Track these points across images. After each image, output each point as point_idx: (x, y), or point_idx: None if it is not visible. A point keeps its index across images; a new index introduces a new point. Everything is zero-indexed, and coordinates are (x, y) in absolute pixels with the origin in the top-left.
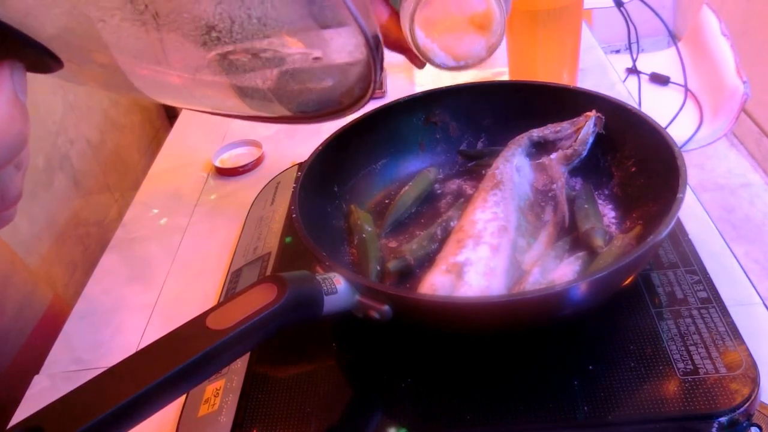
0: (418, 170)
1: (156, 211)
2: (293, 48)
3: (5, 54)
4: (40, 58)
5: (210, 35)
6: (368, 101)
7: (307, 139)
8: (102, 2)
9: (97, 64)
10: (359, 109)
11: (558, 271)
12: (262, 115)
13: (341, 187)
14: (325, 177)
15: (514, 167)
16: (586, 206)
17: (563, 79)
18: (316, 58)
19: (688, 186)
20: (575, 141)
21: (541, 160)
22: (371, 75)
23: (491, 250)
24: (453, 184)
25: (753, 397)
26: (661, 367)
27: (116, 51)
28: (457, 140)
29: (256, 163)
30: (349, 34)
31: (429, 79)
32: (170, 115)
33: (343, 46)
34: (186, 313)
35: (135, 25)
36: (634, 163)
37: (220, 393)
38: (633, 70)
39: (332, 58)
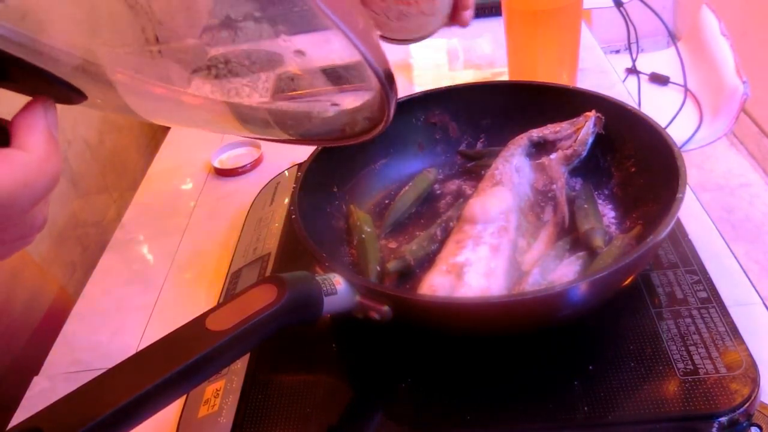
0: (417, 171)
1: (155, 211)
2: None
3: (36, 91)
4: (66, 92)
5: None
6: (379, 132)
7: None
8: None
9: (114, 95)
10: (368, 139)
11: (558, 272)
12: (268, 138)
13: (341, 187)
14: (325, 177)
15: (513, 167)
16: (586, 206)
17: (563, 80)
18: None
19: (687, 186)
20: (575, 141)
21: (540, 161)
22: (384, 109)
23: (491, 250)
24: (452, 185)
25: (753, 397)
26: (661, 367)
27: (119, 76)
28: (457, 140)
29: (255, 164)
30: (359, 69)
31: (428, 79)
32: None
33: (353, 78)
34: (185, 314)
35: (142, 55)
36: (634, 163)
37: (220, 394)
38: (633, 70)
39: (344, 94)
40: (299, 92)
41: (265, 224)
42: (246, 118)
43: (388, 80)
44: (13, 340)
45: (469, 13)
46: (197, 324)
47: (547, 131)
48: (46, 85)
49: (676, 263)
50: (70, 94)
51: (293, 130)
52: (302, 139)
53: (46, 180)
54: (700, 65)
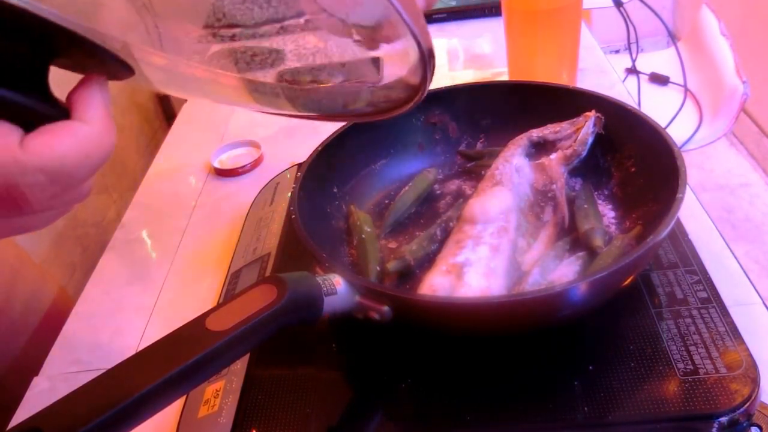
0: (417, 171)
1: (155, 212)
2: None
3: (92, 68)
4: (115, 68)
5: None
6: (410, 108)
7: (307, 140)
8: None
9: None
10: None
11: (558, 272)
12: (277, 111)
13: (341, 187)
14: (325, 178)
15: (513, 167)
16: (585, 206)
17: (562, 79)
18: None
19: (687, 186)
20: (575, 141)
21: (540, 161)
22: (420, 85)
23: (491, 250)
24: (452, 185)
25: (753, 397)
26: (661, 367)
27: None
28: (457, 141)
29: (255, 164)
30: (401, 45)
31: None
32: (168, 115)
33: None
34: (185, 315)
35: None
36: (633, 163)
37: (220, 394)
38: (632, 70)
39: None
40: (306, 86)
41: (265, 224)
42: (255, 87)
43: (429, 57)
44: (13, 340)
45: None
46: (197, 324)
47: (547, 131)
48: (98, 61)
49: (676, 263)
50: (119, 71)
51: (302, 103)
52: (315, 115)
53: (104, 152)
54: (700, 65)
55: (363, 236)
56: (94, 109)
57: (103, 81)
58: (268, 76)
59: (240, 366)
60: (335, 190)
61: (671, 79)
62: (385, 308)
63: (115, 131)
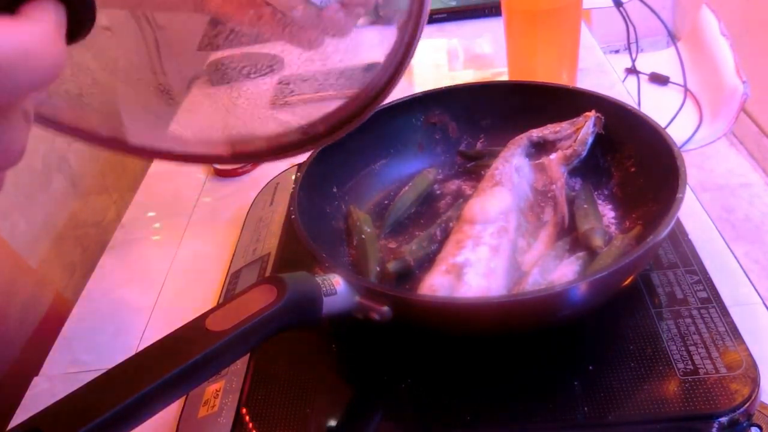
0: (417, 171)
1: (155, 212)
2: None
3: None
4: (76, 10)
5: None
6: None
7: None
8: None
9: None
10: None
11: (558, 272)
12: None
13: (340, 187)
14: (324, 178)
15: (513, 168)
16: (585, 206)
17: (562, 80)
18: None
19: (687, 186)
20: (575, 141)
21: (540, 161)
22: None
23: (491, 250)
24: (452, 185)
25: (753, 397)
26: (661, 367)
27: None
28: (457, 141)
29: (255, 164)
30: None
31: (428, 79)
32: None
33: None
34: (185, 315)
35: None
36: (633, 163)
37: (220, 394)
38: (632, 70)
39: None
40: (301, 96)
41: (265, 224)
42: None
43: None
44: (9, 349)
45: None
46: (197, 324)
47: (547, 131)
48: None
49: (676, 263)
50: (80, 11)
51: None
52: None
53: (47, 61)
54: (700, 65)
55: (363, 236)
56: (44, 11)
57: (60, 7)
58: (265, 95)
59: (240, 366)
60: (335, 190)
61: (671, 79)
62: (385, 308)
63: (64, 48)
